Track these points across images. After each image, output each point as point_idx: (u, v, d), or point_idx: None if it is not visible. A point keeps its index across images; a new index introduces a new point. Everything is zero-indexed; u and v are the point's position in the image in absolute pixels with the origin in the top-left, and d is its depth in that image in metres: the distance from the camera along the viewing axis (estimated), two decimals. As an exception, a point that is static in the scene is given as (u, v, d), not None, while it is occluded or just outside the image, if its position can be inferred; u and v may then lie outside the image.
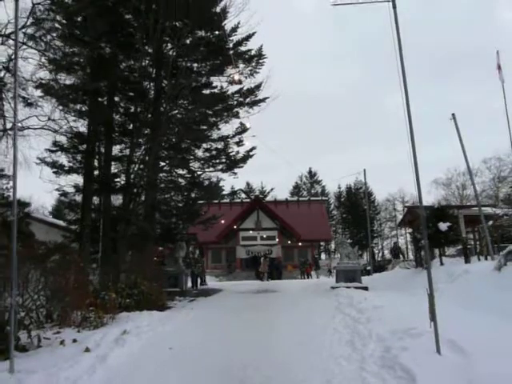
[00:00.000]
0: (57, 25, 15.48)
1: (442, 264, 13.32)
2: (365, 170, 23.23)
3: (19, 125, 13.61)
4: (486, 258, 13.59)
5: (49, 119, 14.39)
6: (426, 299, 7.08)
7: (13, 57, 12.23)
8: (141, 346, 6.85)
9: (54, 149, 15.28)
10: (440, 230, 12.86)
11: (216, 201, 33.89)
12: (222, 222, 30.31)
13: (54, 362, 5.53)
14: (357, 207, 61.50)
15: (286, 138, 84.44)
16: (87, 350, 6.22)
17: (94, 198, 16.60)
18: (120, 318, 9.15)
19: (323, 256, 61.05)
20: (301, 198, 49.77)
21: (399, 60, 6.09)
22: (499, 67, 19.93)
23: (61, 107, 15.51)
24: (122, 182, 16.49)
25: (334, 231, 62.16)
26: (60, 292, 8.00)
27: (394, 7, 6.31)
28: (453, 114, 12.39)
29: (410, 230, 17.14)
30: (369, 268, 26.24)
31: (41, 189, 17.89)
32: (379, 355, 5.41)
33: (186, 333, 8.25)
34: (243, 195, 55.34)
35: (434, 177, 53.31)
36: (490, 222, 14.53)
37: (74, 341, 6.83)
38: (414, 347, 5.34)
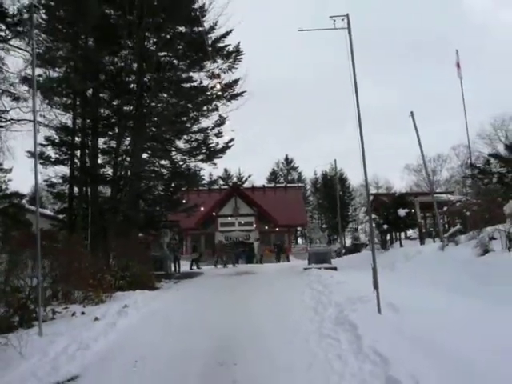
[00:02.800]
0: (40, 20, 16.31)
1: (401, 246, 14.95)
2: (335, 160, 24.84)
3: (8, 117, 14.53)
4: (441, 241, 15.28)
5: (32, 111, 15.32)
6: (379, 275, 8.61)
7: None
8: (140, 316, 8.16)
9: (46, 143, 16.15)
10: (399, 215, 14.43)
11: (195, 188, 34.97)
12: (202, 208, 31.50)
13: (72, 327, 6.79)
14: (332, 193, 63.29)
15: (263, 125, 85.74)
16: (96, 319, 7.48)
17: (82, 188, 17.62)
18: (116, 296, 10.37)
19: (300, 240, 62.92)
20: (278, 185, 51.21)
21: (353, 79, 7.43)
22: (458, 65, 21.67)
23: (46, 101, 16.41)
24: (109, 173, 17.55)
25: (310, 217, 64.00)
26: (65, 275, 9.16)
27: (350, 33, 7.63)
28: (411, 112, 13.76)
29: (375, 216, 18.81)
30: (343, 251, 28.30)
31: (18, 177, 18.76)
32: (335, 316, 6.84)
33: (176, 307, 9.55)
34: (221, 182, 56.55)
35: (406, 163, 55.28)
36: (445, 208, 16.24)
37: (83, 313, 8.09)
38: (362, 309, 6.79)
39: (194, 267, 25.00)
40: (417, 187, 54.45)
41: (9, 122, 13.93)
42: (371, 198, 32.03)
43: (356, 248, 27.18)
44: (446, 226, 17.70)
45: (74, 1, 13.09)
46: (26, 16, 11.58)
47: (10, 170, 14.62)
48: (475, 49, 64.32)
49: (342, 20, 7.70)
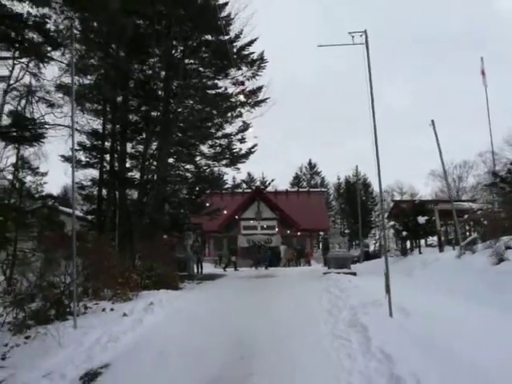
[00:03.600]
0: (75, 31, 17.16)
1: (420, 253, 15.08)
2: (357, 167, 24.87)
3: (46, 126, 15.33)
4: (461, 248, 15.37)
5: (65, 116, 16.13)
6: (396, 281, 8.93)
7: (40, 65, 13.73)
8: (165, 314, 8.68)
9: (78, 148, 16.98)
10: (419, 223, 14.59)
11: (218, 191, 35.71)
12: (225, 212, 32.13)
13: (103, 322, 7.34)
14: (355, 198, 62.91)
15: (287, 130, 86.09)
16: (125, 315, 8.02)
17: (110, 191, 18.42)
18: (142, 294, 10.90)
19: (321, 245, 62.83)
20: (300, 189, 51.45)
21: (369, 93, 7.78)
22: (483, 72, 21.58)
23: (79, 107, 17.25)
24: (136, 177, 18.29)
25: (333, 221, 63.78)
26: (96, 273, 9.78)
27: (367, 49, 7.98)
28: (432, 121, 13.92)
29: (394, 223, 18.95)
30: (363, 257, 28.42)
31: (50, 179, 19.73)
32: (348, 319, 7.17)
33: (199, 307, 10.02)
34: (244, 186, 57.24)
35: (431, 168, 54.37)
36: (466, 216, 16.27)
37: (112, 309, 8.65)
38: (374, 313, 7.11)
39: (238, 268, 26.39)
40: (442, 193, 53.78)
41: (44, 129, 14.74)
42: (392, 204, 32.05)
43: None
44: (468, 233, 17.68)
45: (109, 19, 13.79)
46: (62, 27, 12.28)
47: (46, 174, 15.54)
48: (503, 50, 63.33)
49: (361, 36, 8.06)
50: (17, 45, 7.21)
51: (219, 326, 7.52)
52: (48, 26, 7.27)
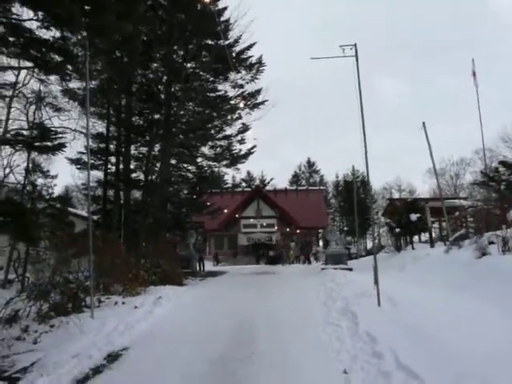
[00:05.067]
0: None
1: (413, 248, 15.80)
2: (353, 166, 25.54)
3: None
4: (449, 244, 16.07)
5: (69, 119, 16.73)
6: (389, 275, 9.63)
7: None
8: (173, 306, 9.40)
9: (84, 151, 17.64)
10: (411, 220, 15.30)
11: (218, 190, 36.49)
12: (225, 211, 32.88)
13: (117, 313, 8.04)
14: (353, 196, 63.45)
15: (286, 128, 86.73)
16: (136, 307, 8.73)
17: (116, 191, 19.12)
18: (149, 290, 11.62)
19: (321, 243, 63.51)
20: (299, 188, 52.20)
21: (359, 99, 8.48)
22: (474, 74, 22.27)
23: (84, 111, 17.92)
24: (141, 178, 19.01)
25: (332, 219, 64.48)
26: (108, 269, 10.48)
27: (357, 61, 8.68)
28: (423, 123, 14.64)
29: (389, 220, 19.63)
30: (363, 253, 29.26)
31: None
32: (341, 308, 7.89)
33: (203, 301, 10.73)
34: (244, 184, 58.00)
35: (428, 166, 54.93)
36: (457, 213, 16.95)
37: (123, 303, 9.36)
38: (364, 302, 7.83)
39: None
40: (438, 190, 54.43)
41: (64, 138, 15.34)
42: (387, 202, 32.78)
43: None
44: (460, 229, 18.37)
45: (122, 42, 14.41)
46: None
47: (56, 176, 16.18)
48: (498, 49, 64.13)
49: (351, 49, 8.76)
50: (41, 64, 7.89)
51: (223, 317, 8.21)
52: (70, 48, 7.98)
